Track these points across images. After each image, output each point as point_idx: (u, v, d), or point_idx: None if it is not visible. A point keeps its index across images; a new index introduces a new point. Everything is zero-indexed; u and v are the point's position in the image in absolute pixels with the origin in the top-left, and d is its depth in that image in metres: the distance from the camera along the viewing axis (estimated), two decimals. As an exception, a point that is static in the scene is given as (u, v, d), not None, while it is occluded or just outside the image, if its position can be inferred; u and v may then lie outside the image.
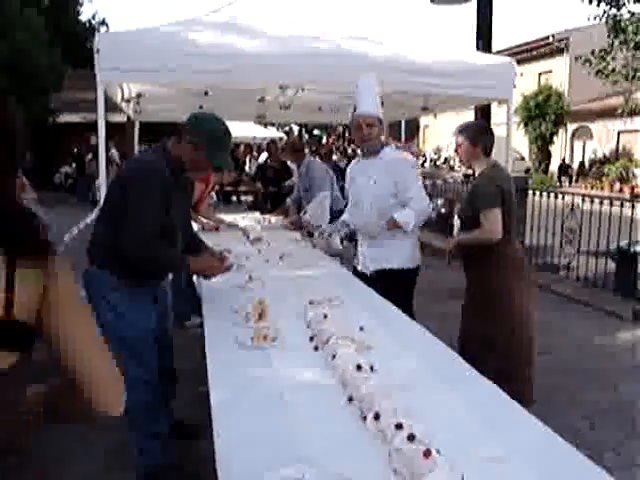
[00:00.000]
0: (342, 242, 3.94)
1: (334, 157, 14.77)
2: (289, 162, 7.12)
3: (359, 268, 3.75)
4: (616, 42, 13.35)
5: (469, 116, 7.42)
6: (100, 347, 1.04)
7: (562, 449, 1.49)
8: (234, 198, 15.71)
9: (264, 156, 14.51)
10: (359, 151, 3.67)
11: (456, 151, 3.50)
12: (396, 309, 2.76)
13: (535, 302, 3.47)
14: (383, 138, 3.70)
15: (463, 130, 3.43)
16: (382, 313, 2.72)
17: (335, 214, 5.30)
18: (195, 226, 4.39)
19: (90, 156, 15.06)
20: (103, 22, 24.26)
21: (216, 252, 3.12)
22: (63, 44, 17.55)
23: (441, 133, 26.03)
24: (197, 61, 3.98)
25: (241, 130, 16.90)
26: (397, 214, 3.43)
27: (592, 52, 14.23)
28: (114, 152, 12.49)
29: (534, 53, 26.98)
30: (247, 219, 5.77)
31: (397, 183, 3.42)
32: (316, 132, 36.84)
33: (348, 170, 3.83)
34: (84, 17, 23.39)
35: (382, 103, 3.57)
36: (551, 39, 25.91)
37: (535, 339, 3.36)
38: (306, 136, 35.15)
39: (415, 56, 4.53)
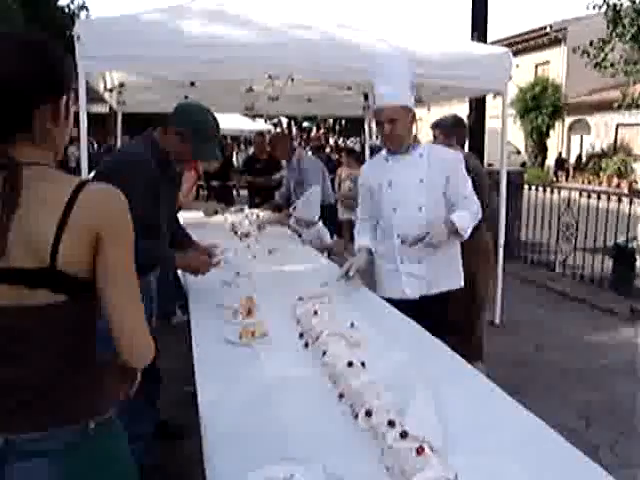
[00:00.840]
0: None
1: (326, 150, 14.76)
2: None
3: (395, 296, 3.00)
4: (614, 33, 13.43)
5: (463, 109, 7.45)
6: (136, 307, 1.27)
7: (558, 445, 1.51)
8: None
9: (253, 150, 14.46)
10: (384, 149, 3.08)
11: (434, 143, 3.87)
12: (388, 305, 2.79)
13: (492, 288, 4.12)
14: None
15: (438, 124, 4.01)
16: (373, 309, 2.75)
17: (326, 209, 5.33)
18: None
19: (74, 149, 14.84)
20: (83, 6, 23.88)
21: (202, 247, 3.13)
22: (39, 30, 17.36)
23: (435, 126, 26.03)
24: (183, 50, 3.97)
25: (228, 122, 16.84)
26: (455, 217, 2.92)
27: (590, 43, 14.31)
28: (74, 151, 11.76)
29: (531, 44, 27.08)
30: (234, 214, 5.78)
31: (448, 181, 2.95)
32: (306, 124, 36.85)
33: (367, 171, 3.23)
34: (62, 1, 22.99)
35: (413, 87, 2.97)
36: (548, 29, 26.01)
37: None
38: (295, 128, 35.15)
39: (408, 45, 4.54)
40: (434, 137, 4.09)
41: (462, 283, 3.17)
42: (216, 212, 5.54)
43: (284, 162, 6.36)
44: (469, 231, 2.96)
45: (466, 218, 2.93)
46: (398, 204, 2.98)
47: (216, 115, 2.69)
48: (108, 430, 1.32)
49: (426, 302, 2.97)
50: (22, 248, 1.15)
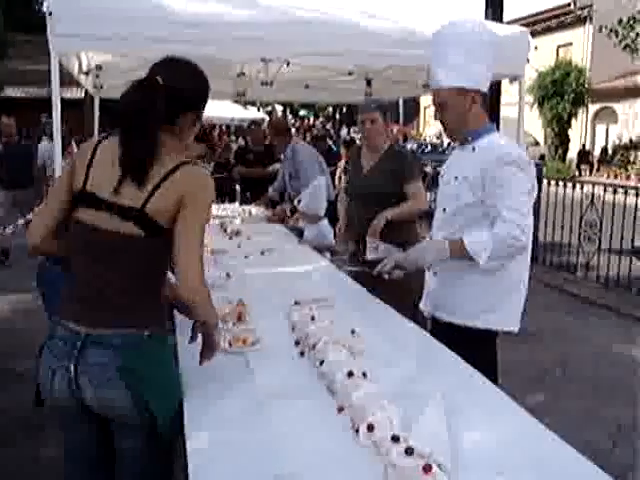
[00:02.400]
0: None
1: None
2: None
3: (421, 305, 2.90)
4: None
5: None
6: (195, 255, 1.81)
7: (583, 466, 1.52)
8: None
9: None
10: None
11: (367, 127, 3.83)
12: (392, 310, 2.80)
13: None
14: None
15: (380, 106, 3.87)
16: (376, 315, 2.77)
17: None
18: None
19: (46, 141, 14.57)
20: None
21: None
22: (6, 4, 17.22)
23: (445, 114, 25.98)
24: (168, 28, 3.95)
25: (218, 110, 16.84)
26: (468, 237, 2.50)
27: (619, 22, 14.30)
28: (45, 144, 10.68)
29: (552, 23, 27.13)
30: (224, 210, 5.80)
31: (484, 185, 2.51)
32: (302, 112, 36.89)
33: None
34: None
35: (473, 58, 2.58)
36: (572, 7, 26.05)
37: None
38: (291, 117, 35.19)
39: (414, 25, 4.55)
40: (370, 120, 3.83)
41: (488, 327, 2.61)
42: None
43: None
44: (484, 258, 2.42)
45: (483, 241, 2.44)
46: (439, 202, 2.80)
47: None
48: (159, 341, 1.89)
49: (435, 327, 2.72)
50: (129, 193, 1.80)
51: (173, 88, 1.86)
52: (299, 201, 4.86)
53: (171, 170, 1.82)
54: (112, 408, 1.82)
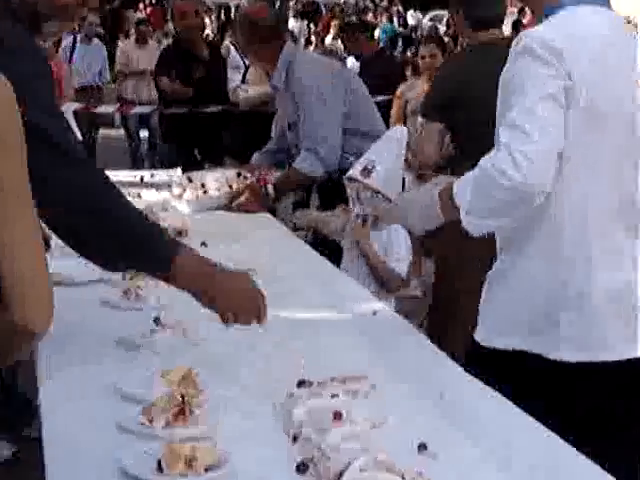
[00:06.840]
0: None
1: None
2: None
3: None
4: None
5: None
6: (34, 244, 1.43)
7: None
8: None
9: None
10: None
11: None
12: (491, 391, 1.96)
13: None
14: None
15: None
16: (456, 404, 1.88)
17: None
18: None
19: None
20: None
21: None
22: None
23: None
24: None
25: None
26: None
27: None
28: None
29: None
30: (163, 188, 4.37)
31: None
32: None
33: None
34: None
35: None
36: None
37: None
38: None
39: None
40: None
41: (513, 347, 2.34)
42: None
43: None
44: (466, 203, 2.20)
45: (467, 178, 2.23)
46: None
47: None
48: None
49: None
50: None
51: None
52: (364, 170, 3.34)
53: None
54: None
